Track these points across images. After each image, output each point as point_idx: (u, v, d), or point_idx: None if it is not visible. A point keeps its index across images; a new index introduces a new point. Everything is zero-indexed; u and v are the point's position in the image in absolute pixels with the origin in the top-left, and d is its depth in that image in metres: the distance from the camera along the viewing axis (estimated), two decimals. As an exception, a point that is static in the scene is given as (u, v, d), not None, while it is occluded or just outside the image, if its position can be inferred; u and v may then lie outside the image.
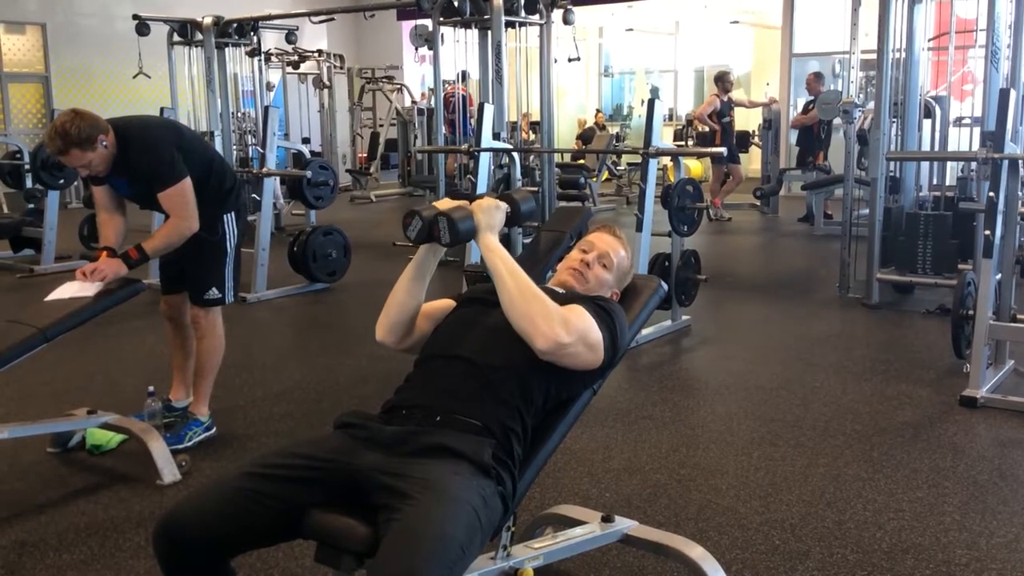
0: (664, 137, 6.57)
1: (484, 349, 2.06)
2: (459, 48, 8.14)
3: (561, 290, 2.27)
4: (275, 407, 4.13)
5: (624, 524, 2.41)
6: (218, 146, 9.18)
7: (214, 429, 3.70)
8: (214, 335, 3.66)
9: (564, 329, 1.99)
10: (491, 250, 2.10)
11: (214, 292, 3.60)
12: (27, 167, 7.95)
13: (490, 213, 2.15)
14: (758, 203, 11.09)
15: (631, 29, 17.21)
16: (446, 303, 2.31)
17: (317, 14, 10.00)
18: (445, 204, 2.17)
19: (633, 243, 5.15)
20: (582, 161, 11.70)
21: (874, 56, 6.07)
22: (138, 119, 3.53)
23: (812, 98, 9.82)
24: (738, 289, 6.90)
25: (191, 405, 3.69)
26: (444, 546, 1.68)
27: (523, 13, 7.53)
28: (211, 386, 3.70)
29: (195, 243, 3.48)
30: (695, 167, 12.77)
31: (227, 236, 3.62)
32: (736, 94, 11.17)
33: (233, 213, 3.63)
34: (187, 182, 3.38)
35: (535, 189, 7.72)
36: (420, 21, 9.54)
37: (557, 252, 2.64)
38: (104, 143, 3.27)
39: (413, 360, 2.20)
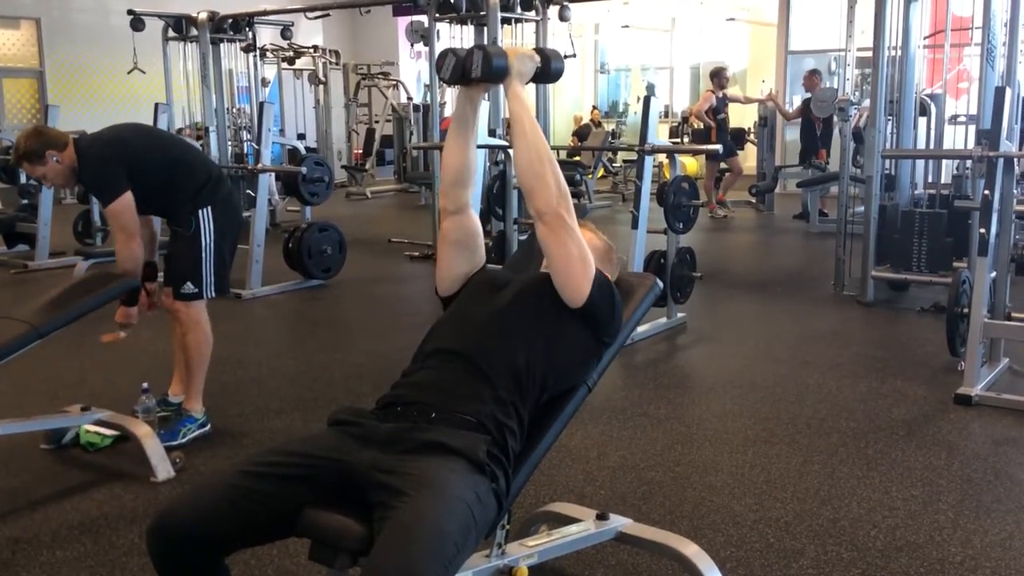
0: (660, 134, 6.56)
1: (481, 344, 2.06)
2: (454, 44, 8.12)
3: None
4: (270, 404, 4.12)
5: (619, 522, 2.41)
6: (213, 142, 9.16)
7: (208, 426, 3.69)
8: (197, 330, 3.64)
9: (567, 207, 2.01)
10: (517, 98, 2.11)
11: (189, 287, 3.58)
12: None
13: (523, 60, 2.14)
14: (754, 200, 11.10)
15: (627, 26, 17.21)
16: (482, 250, 2.30)
17: (312, 9, 9.97)
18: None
19: (628, 240, 5.20)
20: (578, 158, 11.69)
21: (870, 53, 6.07)
22: (97, 134, 3.61)
23: (810, 96, 9.82)
24: (733, 286, 6.90)
25: (184, 401, 3.69)
26: (439, 543, 1.68)
27: (519, 9, 7.51)
28: (202, 382, 3.69)
29: (174, 237, 3.56)
30: (691, 164, 12.77)
31: (202, 231, 3.58)
32: (731, 90, 11.15)
33: (209, 208, 3.59)
34: (124, 200, 3.41)
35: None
36: (416, 17, 9.54)
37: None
38: (56, 159, 3.41)
39: (410, 355, 2.20)
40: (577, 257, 2.05)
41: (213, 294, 3.66)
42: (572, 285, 2.07)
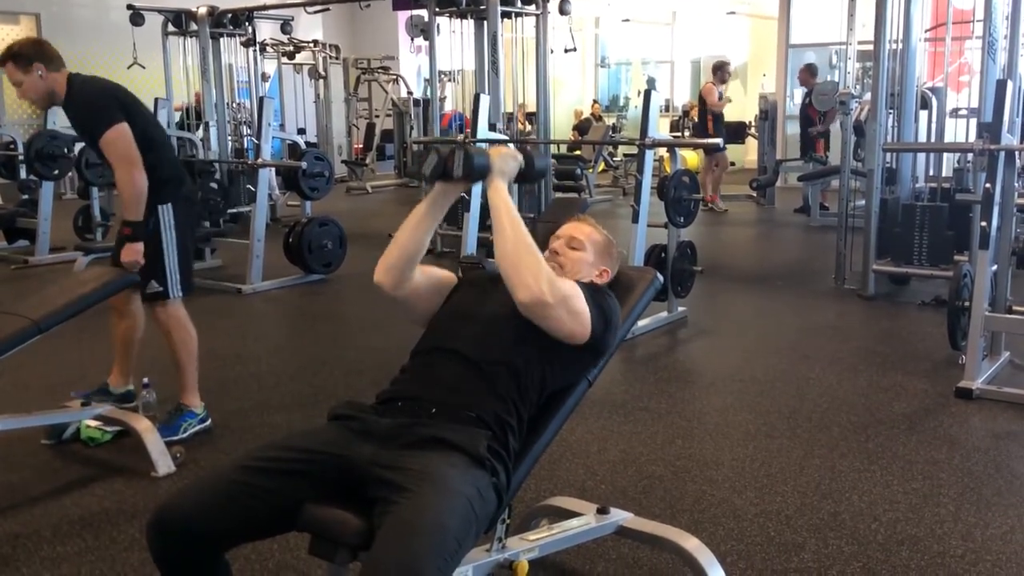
0: (660, 128, 6.55)
1: (480, 343, 2.06)
2: (455, 39, 8.12)
3: None
4: (270, 398, 4.12)
5: (619, 516, 2.41)
6: (213, 137, 9.15)
7: (209, 420, 3.68)
8: (179, 328, 3.61)
9: (548, 289, 1.99)
10: (498, 195, 2.11)
11: (154, 285, 3.54)
12: (21, 158, 7.93)
13: (505, 160, 2.16)
14: (754, 194, 11.09)
15: (628, 19, 17.19)
16: (448, 276, 2.30)
17: (312, 4, 9.96)
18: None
19: (629, 234, 5.19)
20: (578, 152, 11.69)
21: (871, 47, 6.06)
22: (95, 76, 3.61)
23: (808, 91, 9.80)
24: (734, 280, 6.89)
25: (182, 397, 3.66)
26: (440, 538, 1.68)
27: (519, 3, 7.51)
28: (195, 376, 3.67)
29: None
30: (691, 158, 12.78)
31: (162, 228, 3.52)
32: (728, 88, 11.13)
33: (171, 205, 3.53)
34: (120, 128, 3.36)
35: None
36: (416, 11, 9.52)
37: (553, 244, 2.64)
38: (40, 73, 3.40)
39: (409, 351, 2.19)
40: (569, 322, 2.04)
41: (180, 293, 3.59)
42: (572, 339, 2.07)
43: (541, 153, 2.33)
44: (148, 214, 3.48)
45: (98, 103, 3.42)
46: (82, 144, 6.75)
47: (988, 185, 4.16)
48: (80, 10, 13.63)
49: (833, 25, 10.24)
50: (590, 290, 2.14)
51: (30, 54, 3.40)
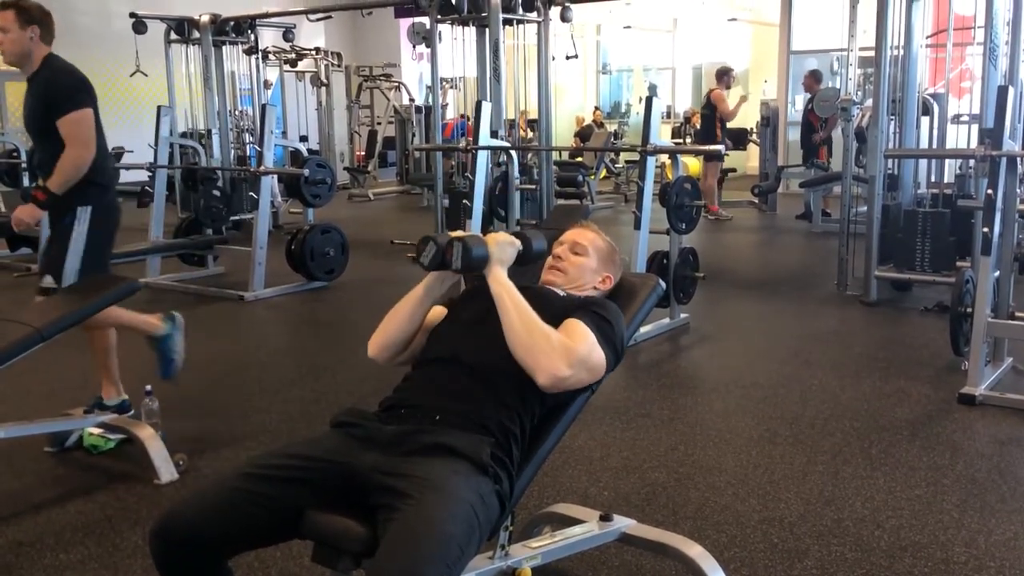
0: (662, 135, 6.56)
1: (483, 353, 2.06)
2: (457, 46, 8.13)
3: (561, 292, 2.27)
4: (272, 406, 4.12)
5: (622, 523, 2.41)
6: (215, 144, 9.16)
7: (178, 318, 3.70)
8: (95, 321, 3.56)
9: (565, 362, 1.99)
10: (499, 282, 2.11)
11: (48, 280, 3.54)
12: (24, 166, 7.95)
13: (503, 247, 2.17)
14: (756, 200, 11.09)
15: (629, 26, 17.22)
16: (439, 312, 2.30)
17: (315, 12, 9.99)
18: (459, 234, 2.20)
19: (631, 241, 5.19)
20: (580, 159, 11.69)
21: (872, 53, 6.07)
22: None
23: (810, 97, 9.81)
24: (736, 287, 6.89)
25: (149, 332, 3.68)
26: (444, 545, 1.68)
27: (520, 11, 7.52)
28: (137, 321, 3.68)
29: (52, 234, 3.53)
30: (693, 165, 12.78)
31: (76, 227, 3.52)
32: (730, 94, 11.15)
33: (91, 208, 3.54)
34: (89, 113, 3.45)
35: (533, 187, 7.73)
36: (418, 19, 9.54)
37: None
38: (32, 35, 3.48)
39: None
40: (588, 378, 2.07)
41: None
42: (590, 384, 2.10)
43: (539, 235, 2.33)
44: (67, 210, 3.51)
45: (74, 84, 3.50)
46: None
47: (990, 191, 4.16)
48: (82, 18, 13.68)
49: (834, 31, 10.26)
50: (597, 320, 2.12)
51: (34, 15, 3.48)
